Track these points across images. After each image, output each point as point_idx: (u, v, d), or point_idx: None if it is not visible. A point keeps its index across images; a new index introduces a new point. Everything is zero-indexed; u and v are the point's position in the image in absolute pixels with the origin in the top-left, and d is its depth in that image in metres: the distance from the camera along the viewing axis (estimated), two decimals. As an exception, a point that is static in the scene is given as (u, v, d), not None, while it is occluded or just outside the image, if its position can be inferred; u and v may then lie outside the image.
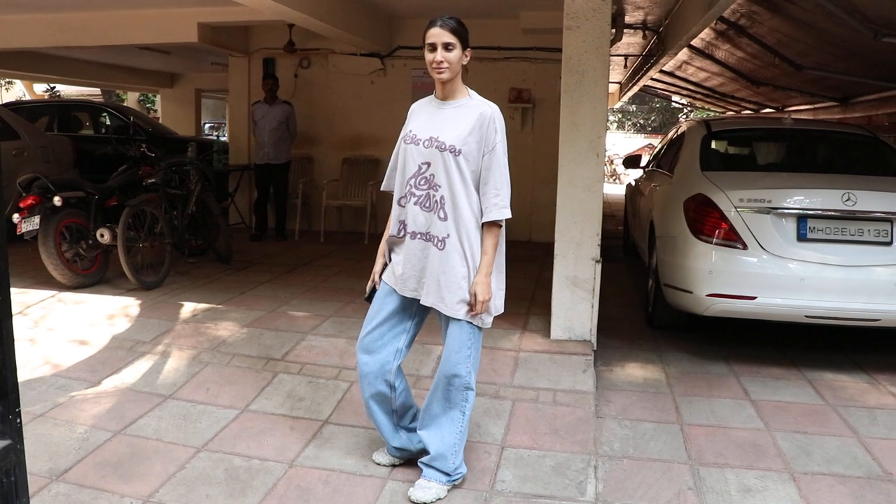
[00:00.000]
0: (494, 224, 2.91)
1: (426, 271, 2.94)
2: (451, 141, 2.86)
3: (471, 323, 2.95)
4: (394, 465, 3.32)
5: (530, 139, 9.16)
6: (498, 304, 3.05)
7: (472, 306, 2.91)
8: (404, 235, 3.00)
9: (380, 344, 3.07)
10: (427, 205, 2.92)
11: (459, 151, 2.85)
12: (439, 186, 2.88)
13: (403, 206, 3.00)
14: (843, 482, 3.26)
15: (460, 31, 2.87)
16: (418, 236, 2.95)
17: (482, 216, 2.91)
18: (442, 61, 2.84)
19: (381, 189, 3.23)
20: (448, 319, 2.96)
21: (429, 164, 2.90)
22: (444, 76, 2.88)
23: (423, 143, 2.92)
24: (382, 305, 3.08)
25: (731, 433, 3.78)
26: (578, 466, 3.36)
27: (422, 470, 3.12)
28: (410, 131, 2.99)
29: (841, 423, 3.90)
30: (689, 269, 4.75)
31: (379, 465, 3.33)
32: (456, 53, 2.86)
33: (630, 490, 3.22)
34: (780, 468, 3.39)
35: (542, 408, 3.94)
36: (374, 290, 3.15)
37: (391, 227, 3.08)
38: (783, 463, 3.45)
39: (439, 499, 3.03)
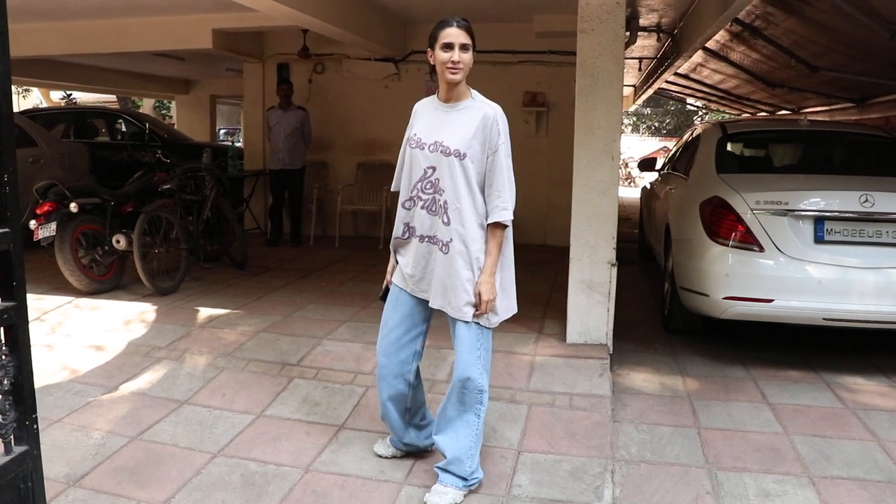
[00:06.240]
0: (498, 225, 2.93)
1: (434, 274, 2.98)
2: (455, 145, 2.88)
3: (478, 323, 2.97)
4: (395, 457, 3.41)
5: (545, 143, 9.14)
6: (509, 305, 3.08)
7: (477, 306, 2.92)
8: (409, 238, 3.06)
9: (397, 347, 3.13)
10: (433, 209, 2.95)
11: (464, 155, 2.87)
12: (443, 191, 2.91)
13: (409, 210, 3.05)
14: (864, 486, 3.22)
15: (473, 34, 2.89)
16: (425, 239, 2.99)
17: (487, 218, 2.93)
18: (458, 61, 2.84)
19: (392, 190, 3.26)
20: (455, 322, 2.99)
21: (434, 169, 2.93)
22: (458, 77, 2.88)
23: (429, 147, 2.94)
24: (395, 308, 3.14)
25: (748, 437, 3.74)
26: (595, 471, 3.33)
27: (437, 475, 3.12)
28: (415, 135, 3.02)
29: (860, 427, 3.86)
30: (705, 272, 4.72)
31: (381, 457, 3.42)
32: (469, 55, 2.88)
33: (647, 494, 3.19)
34: (798, 472, 3.36)
35: (559, 412, 3.92)
36: (387, 290, 3.21)
37: (396, 230, 3.12)
38: (802, 467, 3.41)
39: (456, 504, 3.03)
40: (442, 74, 2.91)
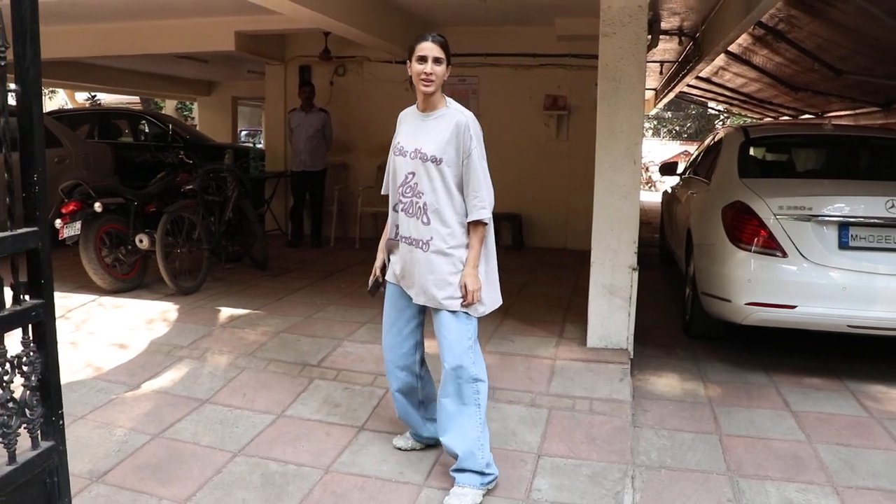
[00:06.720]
0: (478, 223, 3.06)
1: (417, 272, 3.10)
2: (431, 151, 3.03)
3: (466, 313, 3.07)
4: (414, 450, 3.52)
5: (565, 146, 9.08)
6: (495, 297, 3.20)
7: (462, 297, 3.04)
8: (399, 238, 3.20)
9: (399, 339, 3.28)
10: (410, 211, 3.10)
11: (440, 160, 3.02)
12: (422, 194, 3.06)
13: (396, 212, 3.20)
14: (890, 497, 3.18)
15: (448, 49, 3.06)
16: (405, 240, 3.14)
17: (467, 216, 3.07)
18: (431, 73, 3.00)
19: (382, 193, 3.40)
20: (441, 315, 3.09)
21: (413, 174, 3.09)
22: (431, 89, 3.04)
23: (410, 154, 3.10)
24: (393, 304, 3.31)
25: (771, 445, 3.71)
26: (615, 476, 3.32)
27: (454, 478, 3.11)
28: (398, 143, 3.19)
29: (886, 436, 3.81)
30: (727, 278, 4.68)
31: (400, 449, 3.53)
32: (442, 68, 3.04)
33: (668, 501, 3.17)
34: (822, 481, 3.32)
35: (579, 416, 3.91)
36: (375, 285, 3.38)
37: (388, 231, 3.30)
38: (826, 476, 3.37)
39: (475, 505, 3.03)
40: (417, 85, 3.06)
